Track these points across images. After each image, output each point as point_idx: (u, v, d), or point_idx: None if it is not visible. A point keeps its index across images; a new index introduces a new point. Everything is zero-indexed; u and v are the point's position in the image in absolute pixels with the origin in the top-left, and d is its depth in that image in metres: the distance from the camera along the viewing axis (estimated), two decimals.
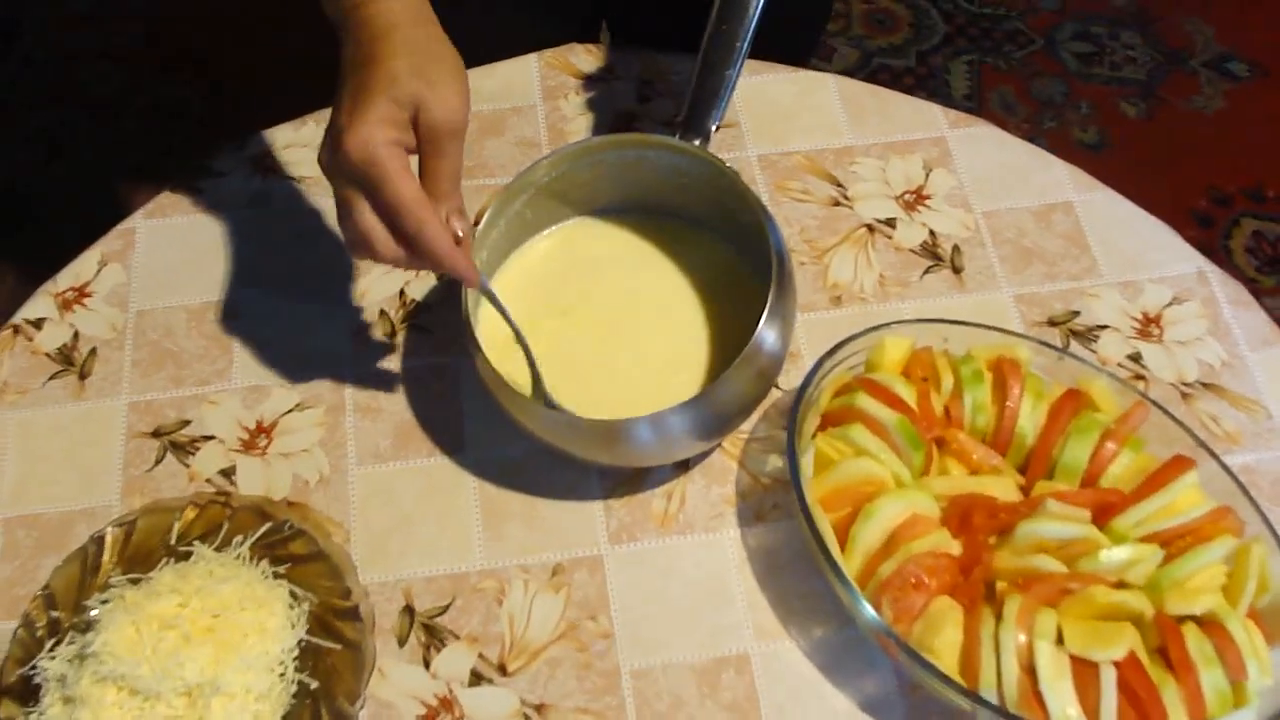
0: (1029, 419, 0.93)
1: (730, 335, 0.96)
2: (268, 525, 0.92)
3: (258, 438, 0.99)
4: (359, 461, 0.98)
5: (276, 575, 0.90)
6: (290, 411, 1.00)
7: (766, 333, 0.87)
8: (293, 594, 0.89)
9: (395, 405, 1.00)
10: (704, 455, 0.97)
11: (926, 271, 1.07)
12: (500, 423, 0.92)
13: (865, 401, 0.92)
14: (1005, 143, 1.15)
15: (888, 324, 0.95)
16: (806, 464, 0.89)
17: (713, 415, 0.88)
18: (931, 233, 1.09)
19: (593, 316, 0.97)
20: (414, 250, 0.82)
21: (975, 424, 0.93)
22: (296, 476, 0.97)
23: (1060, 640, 0.81)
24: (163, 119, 2.31)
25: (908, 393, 0.93)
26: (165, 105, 2.33)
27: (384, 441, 0.98)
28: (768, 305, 0.87)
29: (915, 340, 0.96)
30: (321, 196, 1.12)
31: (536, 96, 1.18)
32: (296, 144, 1.15)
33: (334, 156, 0.80)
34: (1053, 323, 1.04)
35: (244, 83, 2.33)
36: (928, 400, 0.93)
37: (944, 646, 0.81)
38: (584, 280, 0.99)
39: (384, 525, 0.95)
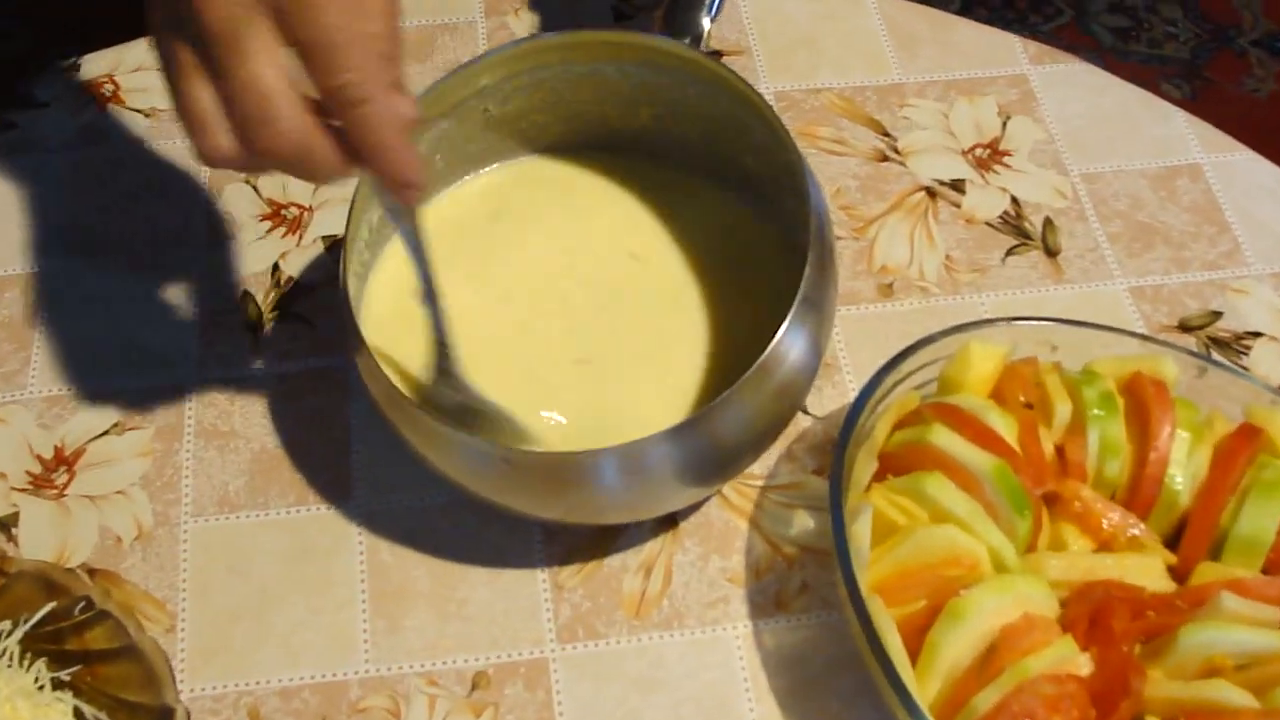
0: (1184, 468, 0.63)
1: (737, 334, 0.67)
2: (53, 605, 0.62)
3: (54, 471, 0.68)
4: (197, 511, 0.67)
5: (59, 684, 0.61)
6: (104, 435, 0.69)
7: (794, 334, 0.58)
8: (79, 714, 0.60)
9: (255, 428, 0.70)
10: (697, 507, 0.67)
11: (1009, 253, 0.77)
12: (404, 457, 0.62)
13: (944, 438, 0.62)
14: (1107, 85, 0.86)
15: (972, 324, 0.65)
16: (860, 531, 0.59)
17: (711, 449, 0.59)
18: (1014, 200, 0.79)
19: (538, 302, 0.67)
20: (344, 129, 0.51)
21: (1103, 474, 0.63)
22: (105, 531, 0.66)
23: None
24: None
25: (1005, 426, 0.63)
26: None
27: (235, 481, 0.68)
28: (799, 293, 0.57)
29: (1012, 349, 0.66)
30: (180, 137, 0.81)
31: (476, 10, 0.88)
32: (149, 66, 0.85)
33: None
34: (1186, 327, 0.75)
35: None
36: (1035, 437, 0.63)
37: None
38: (527, 249, 0.69)
39: (227, 607, 0.64)
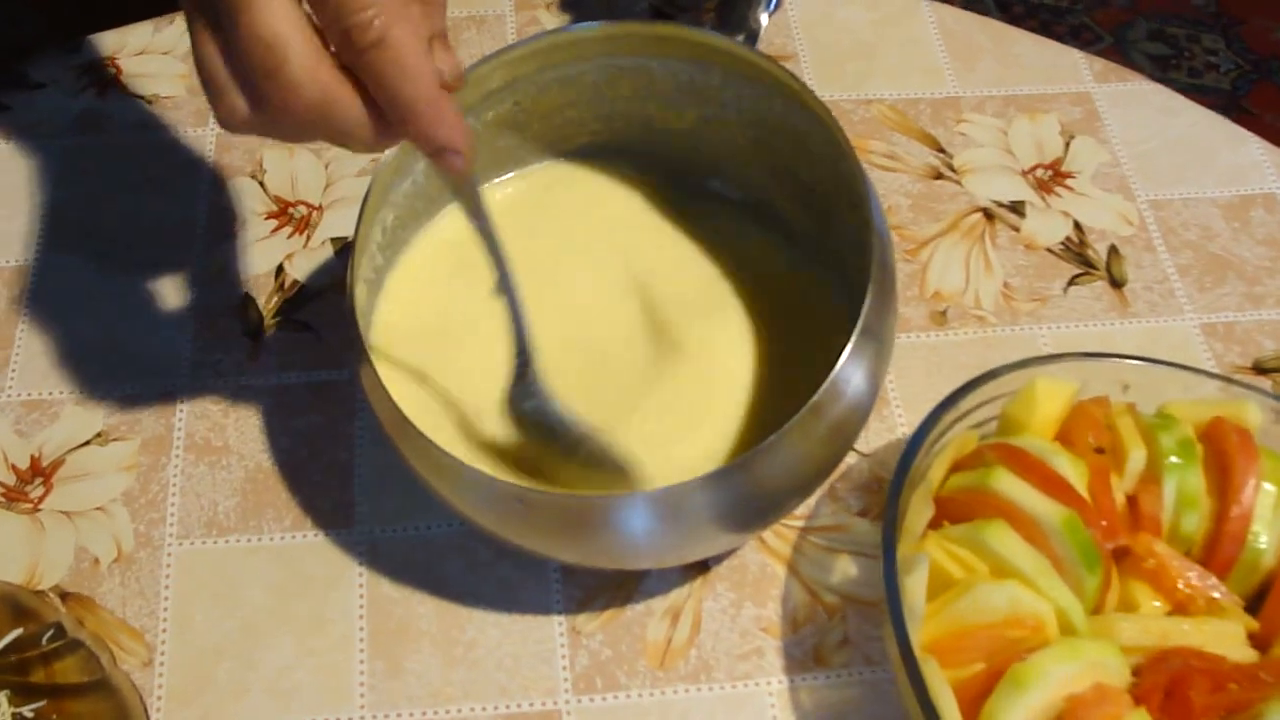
0: (1269, 525, 0.57)
1: (783, 366, 0.61)
2: (19, 632, 0.57)
3: (29, 483, 0.62)
4: (183, 533, 0.61)
5: None
6: (85, 445, 0.64)
7: (851, 367, 0.52)
8: None
9: (250, 444, 0.64)
10: (732, 550, 0.61)
11: (1072, 282, 0.71)
12: (412, 482, 0.56)
13: (1008, 484, 0.56)
14: (1177, 107, 0.80)
15: (1038, 359, 0.59)
16: (915, 585, 0.53)
17: (754, 495, 0.53)
18: (1077, 226, 0.74)
19: (559, 328, 0.61)
20: (362, 85, 0.44)
21: (1179, 528, 0.57)
22: (81, 551, 0.60)
23: None
24: None
25: (1074, 472, 0.57)
26: None
27: (226, 502, 0.62)
28: (859, 322, 0.51)
29: (1081, 387, 0.60)
30: (184, 125, 0.75)
31: (506, 2, 0.82)
32: (155, 49, 0.79)
33: None
34: (1260, 368, 0.69)
35: None
36: (1106, 486, 0.57)
37: None
38: (547, 266, 0.63)
39: (212, 641, 0.58)
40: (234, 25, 0.43)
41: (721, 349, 0.61)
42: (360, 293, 0.56)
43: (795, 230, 0.63)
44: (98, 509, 0.62)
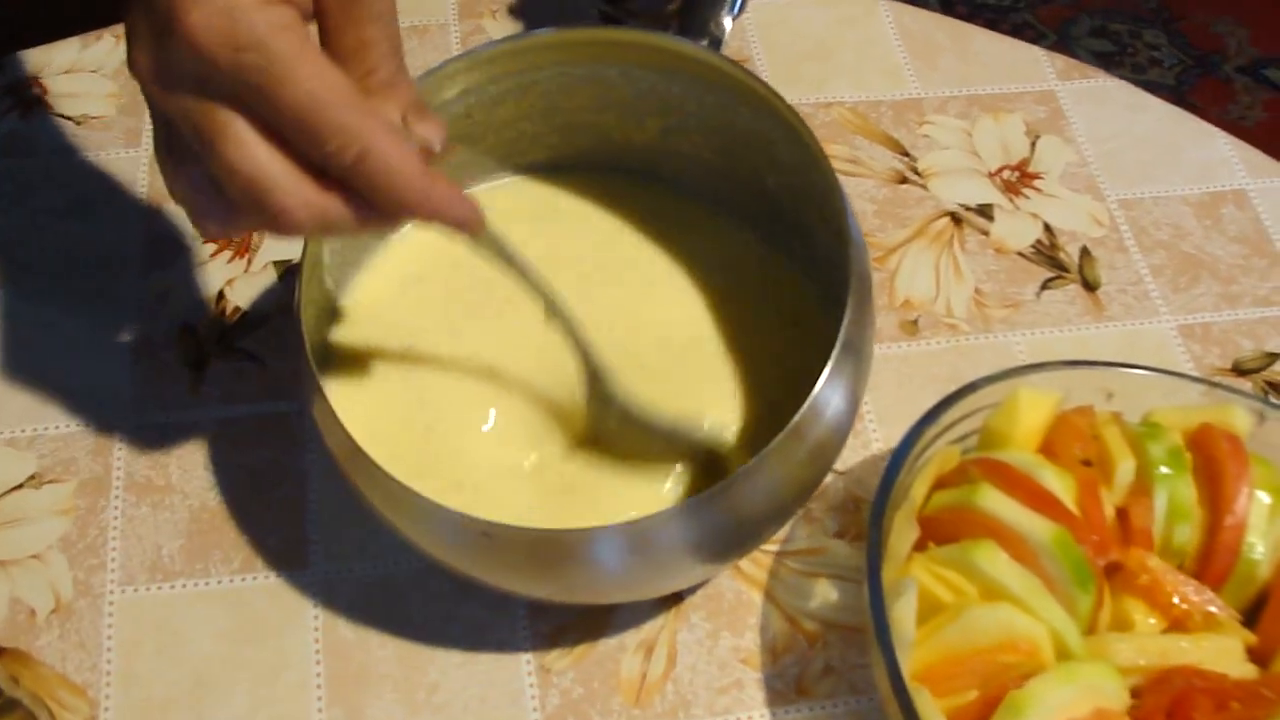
0: (1263, 536, 0.55)
1: (755, 384, 0.58)
2: None
3: None
4: (125, 579, 0.58)
5: None
6: (17, 488, 0.60)
7: (832, 386, 0.49)
8: None
9: (194, 482, 0.60)
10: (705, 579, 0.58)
11: (1045, 286, 0.69)
12: (368, 518, 0.53)
13: (994, 501, 0.53)
14: (1141, 104, 0.78)
15: (1020, 368, 0.57)
16: (903, 612, 0.50)
17: (730, 524, 0.50)
18: (1047, 228, 0.72)
19: (522, 349, 0.58)
20: (356, 191, 0.42)
21: (1171, 541, 0.55)
22: (16, 603, 0.57)
23: None
24: None
25: (1062, 486, 0.54)
26: None
27: (171, 545, 0.58)
28: (840, 337, 0.49)
29: (1064, 396, 0.58)
30: (115, 146, 0.72)
31: (449, 11, 0.79)
32: (82, 68, 0.75)
33: (168, 51, 0.40)
34: (1240, 370, 0.67)
35: None
36: (1096, 500, 0.55)
37: None
38: (507, 285, 0.60)
39: (159, 694, 0.55)
40: (277, 98, 0.40)
41: (685, 364, 0.58)
42: (308, 317, 0.52)
43: (759, 242, 0.61)
44: (33, 557, 0.58)
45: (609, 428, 0.55)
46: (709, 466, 0.55)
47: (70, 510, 0.59)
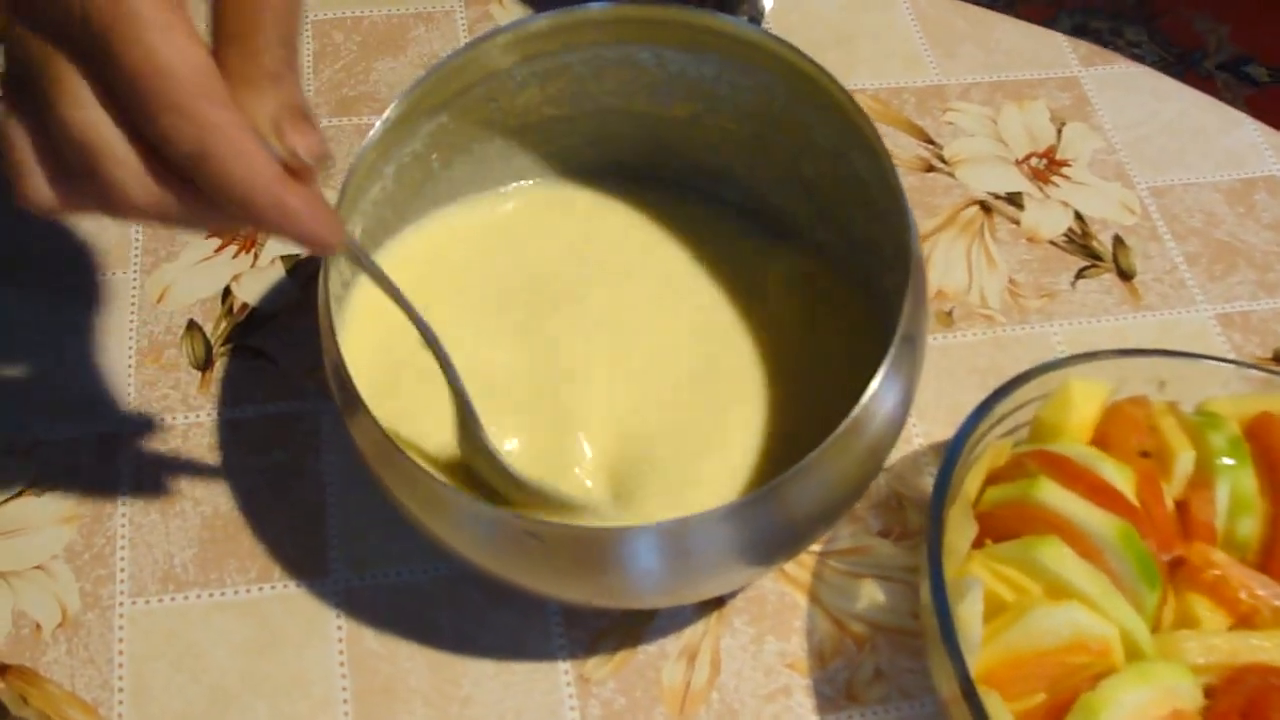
0: None
1: (801, 380, 0.56)
2: None
3: None
4: (135, 590, 0.54)
5: None
6: (18, 496, 0.57)
7: (891, 382, 0.47)
8: None
9: (206, 488, 0.57)
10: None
11: (1079, 275, 0.67)
12: (391, 522, 0.50)
13: (1054, 495, 0.51)
14: (1167, 90, 0.76)
15: (1072, 358, 0.55)
16: (969, 612, 0.48)
17: (782, 524, 0.48)
18: (1079, 216, 0.70)
19: (558, 348, 0.56)
20: (195, 185, 0.38)
21: (1235, 534, 0.53)
22: (20, 616, 0.54)
23: None
24: None
25: (1121, 478, 0.52)
26: None
27: (183, 554, 0.55)
28: (899, 330, 0.47)
29: (1117, 387, 0.56)
30: None
31: None
32: None
33: None
34: None
35: None
36: (1157, 493, 0.53)
37: None
38: (539, 282, 0.58)
39: (174, 711, 0.52)
40: (121, 61, 0.36)
41: (726, 362, 0.56)
42: (332, 289, 0.49)
43: (799, 230, 0.58)
44: (36, 568, 0.55)
45: (478, 465, 0.52)
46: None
47: (74, 519, 0.56)
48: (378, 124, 0.51)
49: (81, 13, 0.36)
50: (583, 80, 0.56)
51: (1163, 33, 2.13)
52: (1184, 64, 2.08)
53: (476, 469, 0.51)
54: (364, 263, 0.46)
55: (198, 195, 0.38)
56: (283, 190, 0.38)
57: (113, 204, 0.38)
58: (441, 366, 0.48)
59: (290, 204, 0.39)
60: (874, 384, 0.46)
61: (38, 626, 0.53)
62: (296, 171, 0.39)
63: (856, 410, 0.45)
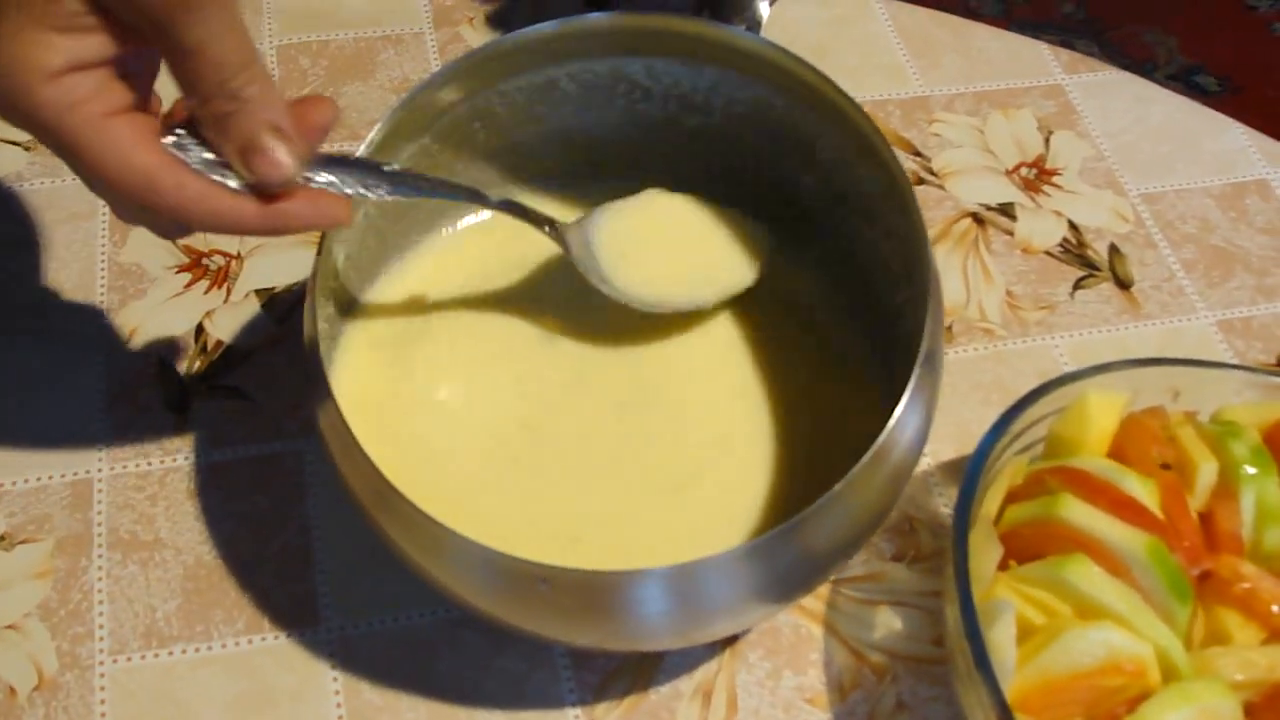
0: None
1: (808, 406, 0.54)
2: None
3: None
4: (116, 647, 0.51)
5: None
6: None
7: (914, 405, 0.45)
8: None
9: (186, 535, 0.54)
10: None
11: (1077, 286, 0.66)
12: (384, 564, 0.47)
13: (1078, 512, 0.49)
14: (1152, 96, 0.76)
15: (1087, 370, 0.53)
16: (1002, 638, 0.46)
17: (804, 561, 0.46)
18: (1072, 225, 0.68)
19: (549, 376, 0.54)
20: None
21: (1262, 545, 0.52)
22: None
23: None
24: None
25: (1145, 491, 0.51)
26: None
27: (165, 606, 0.52)
28: (921, 349, 0.44)
29: (1131, 399, 0.54)
30: (67, 172, 0.65)
31: (424, 19, 0.74)
32: None
33: None
34: None
35: None
36: (1182, 505, 0.51)
37: None
38: (534, 302, 0.56)
39: None
40: (80, 166, 0.41)
41: (732, 391, 0.54)
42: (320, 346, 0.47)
43: (800, 244, 0.56)
44: (9, 627, 0.52)
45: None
46: None
47: (48, 572, 0.53)
48: (361, 148, 0.48)
49: (35, 135, 0.41)
50: (570, 96, 0.54)
51: (1114, 45, 2.14)
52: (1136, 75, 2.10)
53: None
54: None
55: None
56: (269, 213, 0.42)
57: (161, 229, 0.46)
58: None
59: (285, 213, 0.43)
60: (899, 408, 0.44)
61: (12, 690, 0.50)
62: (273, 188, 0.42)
63: (883, 436, 0.43)
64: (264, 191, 0.42)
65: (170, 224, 0.44)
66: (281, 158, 0.41)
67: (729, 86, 0.53)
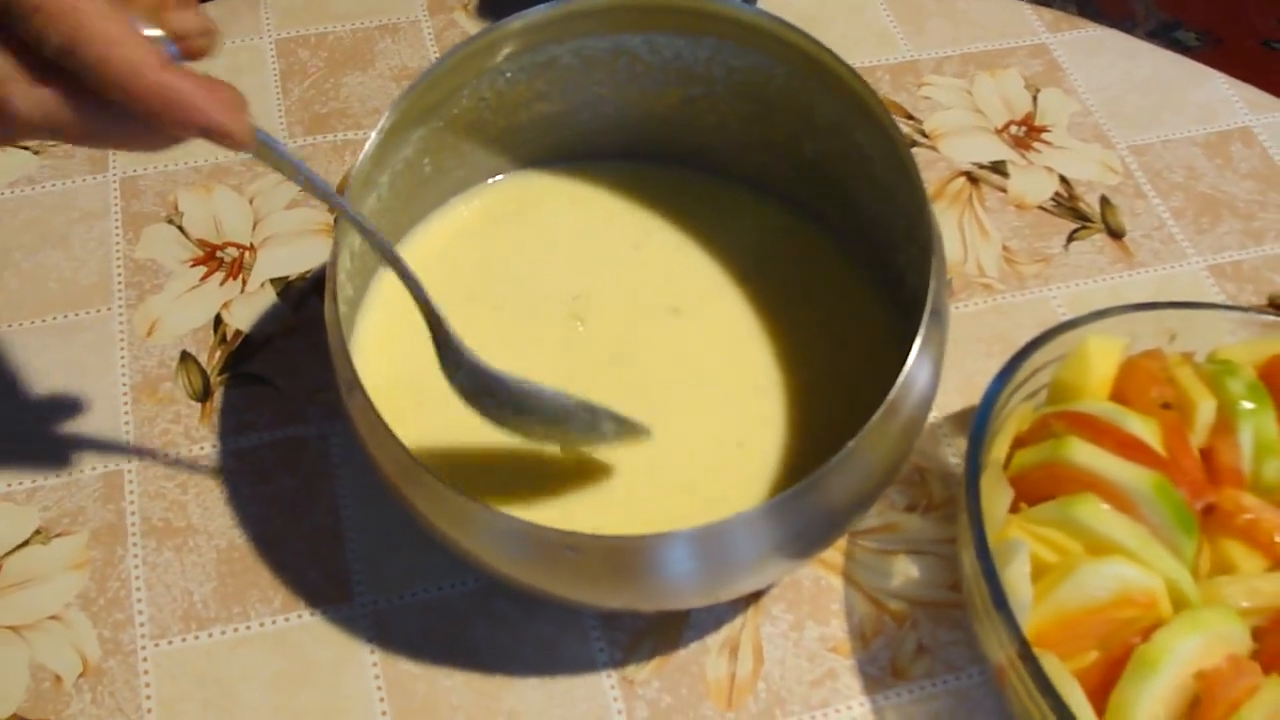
0: None
1: (818, 365, 0.55)
2: None
3: None
4: (157, 632, 0.53)
5: None
6: (23, 546, 0.55)
7: (924, 358, 0.46)
8: None
9: (218, 520, 0.56)
10: None
11: (1071, 238, 0.67)
12: (414, 538, 0.49)
13: (1085, 453, 0.51)
14: (1134, 50, 0.77)
15: (1085, 317, 0.55)
16: (1017, 576, 0.48)
17: (823, 516, 0.47)
18: (1063, 180, 0.70)
19: (569, 348, 0.55)
20: (79, 86, 0.38)
21: (1262, 477, 0.53)
22: (39, 670, 0.52)
23: None
24: None
25: (1147, 431, 0.52)
26: None
27: (202, 589, 0.54)
28: (928, 304, 0.46)
29: (1130, 343, 0.56)
30: (80, 173, 0.67)
31: (419, 8, 0.75)
32: None
33: None
34: (1277, 304, 0.66)
35: None
36: (1184, 443, 0.53)
37: None
38: (547, 274, 0.57)
39: None
40: None
41: (743, 361, 0.55)
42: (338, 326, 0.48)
43: (804, 210, 0.58)
44: (51, 618, 0.53)
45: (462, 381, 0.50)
46: None
47: (85, 563, 0.54)
48: (373, 135, 0.50)
49: None
50: (572, 71, 0.55)
51: (1093, 4, 2.15)
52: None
53: (469, 402, 0.49)
54: (295, 171, 0.43)
55: (84, 97, 0.38)
56: (166, 73, 0.37)
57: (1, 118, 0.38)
58: (406, 284, 0.47)
59: (177, 85, 0.38)
60: (909, 362, 0.45)
61: (58, 679, 0.52)
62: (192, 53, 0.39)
63: (894, 391, 0.45)
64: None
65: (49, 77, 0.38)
66: (194, 9, 0.39)
67: (727, 56, 0.54)
